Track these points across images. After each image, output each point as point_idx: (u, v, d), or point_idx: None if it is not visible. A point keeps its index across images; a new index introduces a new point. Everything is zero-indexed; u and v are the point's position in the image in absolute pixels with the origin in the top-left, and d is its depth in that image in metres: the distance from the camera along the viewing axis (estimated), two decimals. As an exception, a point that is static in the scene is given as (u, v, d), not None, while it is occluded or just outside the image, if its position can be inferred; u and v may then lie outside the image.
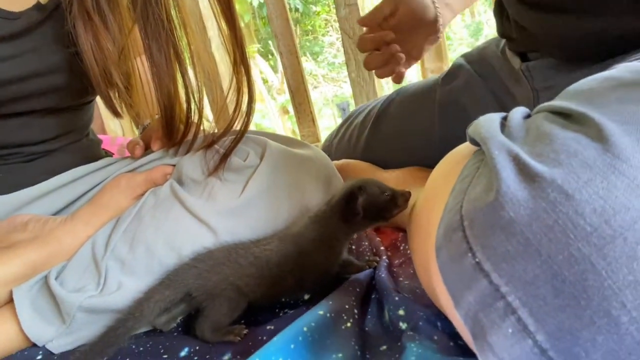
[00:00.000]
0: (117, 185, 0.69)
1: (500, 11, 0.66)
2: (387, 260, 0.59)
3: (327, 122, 5.15)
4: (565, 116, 0.30)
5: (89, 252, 0.62)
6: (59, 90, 0.70)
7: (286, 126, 5.68)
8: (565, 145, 0.26)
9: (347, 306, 0.48)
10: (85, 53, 0.64)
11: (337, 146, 0.91)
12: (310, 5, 6.60)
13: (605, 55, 0.49)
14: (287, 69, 1.39)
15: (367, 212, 0.56)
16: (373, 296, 0.53)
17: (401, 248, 0.66)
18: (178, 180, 0.68)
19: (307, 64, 6.31)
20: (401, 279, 0.57)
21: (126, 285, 0.59)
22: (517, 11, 0.58)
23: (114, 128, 1.52)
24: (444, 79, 0.76)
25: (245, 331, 0.53)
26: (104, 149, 0.93)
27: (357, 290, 0.52)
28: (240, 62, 0.68)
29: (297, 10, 6.53)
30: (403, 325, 0.44)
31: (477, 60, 0.74)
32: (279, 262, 0.55)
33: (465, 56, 0.78)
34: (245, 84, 0.68)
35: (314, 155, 0.73)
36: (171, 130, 0.70)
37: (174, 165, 0.71)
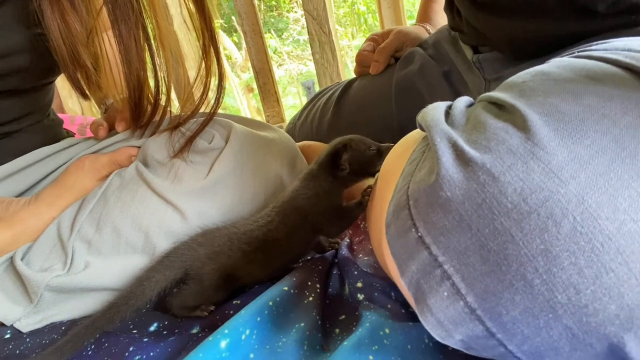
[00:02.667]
0: (81, 166, 0.70)
1: (450, 7, 0.70)
2: (348, 240, 0.63)
3: (293, 101, 5.13)
4: (499, 106, 0.33)
5: (55, 233, 0.63)
6: (22, 72, 0.69)
7: (251, 104, 5.62)
8: (495, 133, 0.30)
9: (309, 282, 0.51)
10: (52, 34, 0.63)
11: (300, 128, 0.93)
12: (278, -20, 6.47)
13: (545, 52, 0.54)
14: (251, 49, 1.40)
15: (353, 167, 0.58)
16: (335, 272, 0.57)
17: (361, 226, 0.69)
18: (143, 162, 0.69)
19: (271, 40, 6.24)
20: (361, 255, 0.61)
21: (93, 265, 0.61)
22: (467, 10, 0.62)
23: (72, 107, 1.49)
24: (400, 64, 0.79)
25: (212, 307, 0.55)
26: (65, 129, 0.92)
27: (320, 267, 0.55)
28: (209, 45, 0.68)
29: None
30: (360, 296, 0.48)
31: (431, 45, 0.78)
32: (288, 234, 0.57)
33: (419, 45, 0.81)
34: (215, 66, 0.69)
35: (278, 137, 0.75)
36: (139, 112, 0.71)
37: (139, 147, 0.72)
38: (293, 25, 6.38)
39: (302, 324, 0.44)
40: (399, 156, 0.42)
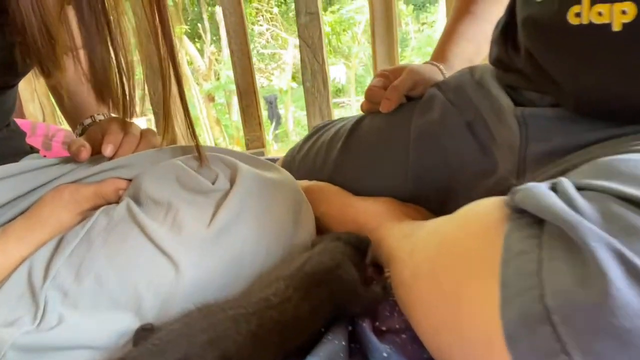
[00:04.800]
0: (59, 197, 0.61)
1: (504, 37, 0.64)
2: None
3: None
4: (636, 205, 0.29)
5: (24, 277, 0.54)
6: None
7: (211, 114, 5.49)
8: None
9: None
10: (24, 8, 0.55)
11: (301, 163, 0.87)
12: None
13: (628, 118, 0.48)
14: (237, 68, 1.32)
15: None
16: (352, 346, 0.51)
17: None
18: (134, 199, 0.60)
19: (237, 52, 6.15)
20: (377, 323, 0.55)
21: (67, 320, 0.52)
22: (538, 49, 0.55)
23: (33, 111, 1.35)
24: (420, 109, 0.75)
25: None
26: (28, 144, 0.82)
27: (343, 343, 0.49)
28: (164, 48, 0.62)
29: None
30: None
31: (452, 89, 0.74)
32: (311, 313, 0.50)
33: (438, 85, 0.77)
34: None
35: (284, 179, 0.68)
36: (103, 96, 0.66)
37: (129, 180, 0.64)
38: (258, 37, 6.33)
39: None
40: (477, 236, 0.37)
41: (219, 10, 6.09)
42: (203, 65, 6.03)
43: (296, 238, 0.64)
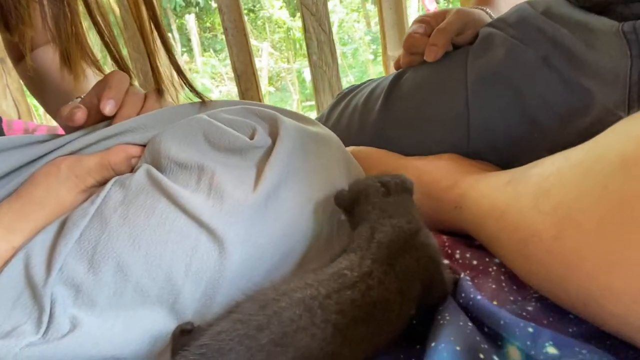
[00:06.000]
0: (56, 172, 0.47)
1: None
2: (468, 278, 0.44)
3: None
4: None
5: (20, 273, 0.40)
6: None
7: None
8: None
9: (481, 355, 0.32)
10: None
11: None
12: (211, 1, 6.34)
13: None
14: (233, 48, 1.19)
15: None
16: (470, 325, 0.38)
17: (456, 256, 0.51)
18: (155, 166, 0.47)
19: (211, 59, 5.99)
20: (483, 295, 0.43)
21: (83, 324, 0.38)
22: None
23: (6, 109, 1.19)
24: (475, 51, 0.63)
25: None
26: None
27: (460, 323, 0.36)
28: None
29: (197, 5, 6.24)
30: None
31: (513, 24, 0.62)
32: (402, 291, 0.37)
33: (493, 24, 0.66)
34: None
35: (331, 135, 0.56)
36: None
37: (142, 146, 0.50)
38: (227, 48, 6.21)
39: None
40: None
41: (189, 18, 5.96)
42: (176, 76, 5.87)
43: None
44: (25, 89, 1.18)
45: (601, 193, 0.35)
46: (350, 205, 0.44)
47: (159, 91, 0.57)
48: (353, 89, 0.78)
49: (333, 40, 1.09)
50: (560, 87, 0.56)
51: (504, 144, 0.60)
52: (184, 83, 0.55)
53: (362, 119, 0.70)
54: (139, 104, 0.54)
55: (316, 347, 0.34)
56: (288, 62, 6.31)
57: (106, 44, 0.56)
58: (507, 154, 0.60)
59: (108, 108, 0.51)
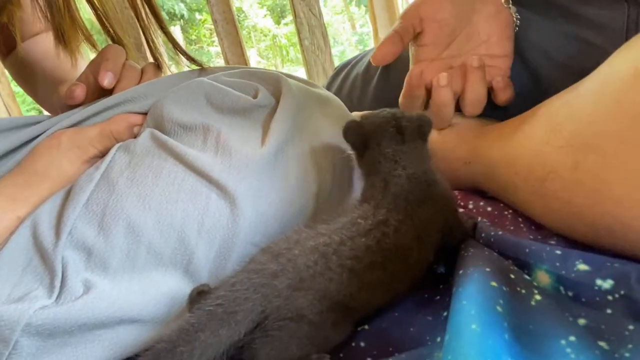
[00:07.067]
0: (57, 144, 0.46)
1: None
2: (485, 220, 0.43)
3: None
4: None
5: (28, 239, 0.39)
6: None
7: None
8: None
9: (512, 275, 0.31)
10: None
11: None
12: (195, 13, 6.35)
13: None
14: (223, 40, 1.19)
15: None
16: (496, 253, 0.37)
17: (470, 207, 0.50)
18: (158, 130, 0.46)
19: (199, 70, 5.99)
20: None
21: (97, 286, 0.37)
22: None
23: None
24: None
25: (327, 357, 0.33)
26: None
27: (486, 253, 0.35)
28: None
29: (182, 17, 6.25)
30: (606, 284, 0.29)
31: None
32: (419, 237, 0.37)
33: None
34: None
35: (333, 96, 0.55)
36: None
37: (143, 114, 0.49)
38: (215, 59, 6.22)
39: (572, 338, 0.24)
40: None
41: (174, 30, 5.96)
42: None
43: None
44: (16, 95, 1.16)
45: (616, 110, 0.34)
46: (361, 145, 0.43)
47: (157, 65, 0.56)
48: (350, 61, 0.78)
49: (324, 24, 1.09)
50: (561, 39, 0.55)
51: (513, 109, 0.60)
52: (180, 53, 0.54)
53: (362, 86, 0.70)
54: (136, 76, 0.54)
55: (334, 289, 0.33)
56: (276, 68, 6.33)
57: (99, 18, 0.55)
58: (512, 112, 0.60)
59: (107, 80, 0.50)
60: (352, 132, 0.44)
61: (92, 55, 0.56)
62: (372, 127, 0.42)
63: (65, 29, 0.54)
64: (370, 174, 0.43)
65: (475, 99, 0.52)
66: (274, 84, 0.50)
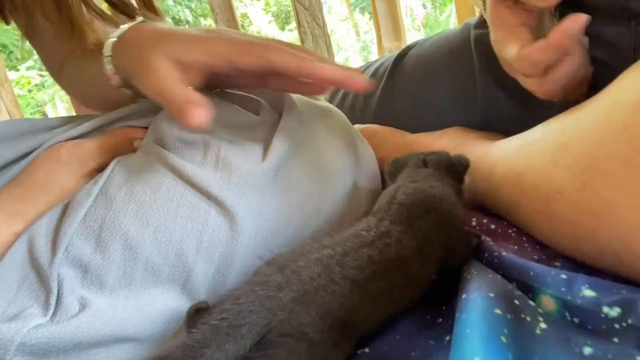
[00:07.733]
0: (56, 157, 0.46)
1: None
2: (489, 239, 0.43)
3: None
4: None
5: (24, 256, 0.39)
6: None
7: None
8: None
9: (516, 301, 0.30)
10: None
11: (339, 111, 0.74)
12: (200, 18, 6.39)
13: None
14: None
15: None
16: (499, 276, 0.37)
17: (473, 224, 0.50)
18: (159, 145, 0.46)
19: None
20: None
21: (93, 304, 0.37)
22: None
23: (1, 122, 1.17)
24: (479, 26, 0.62)
25: None
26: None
27: (490, 277, 0.35)
28: None
29: (187, 22, 6.28)
30: (613, 312, 0.28)
31: None
32: (421, 249, 0.37)
33: None
34: None
35: (333, 107, 0.55)
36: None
37: (144, 128, 0.49)
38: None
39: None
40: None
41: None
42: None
43: (359, 176, 0.50)
44: (19, 97, 1.16)
45: (623, 134, 0.34)
46: (394, 175, 0.46)
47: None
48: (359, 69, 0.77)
49: (328, 33, 1.08)
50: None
51: (513, 119, 0.59)
52: None
53: (365, 97, 0.69)
54: None
55: (336, 303, 0.33)
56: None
57: None
58: (513, 123, 0.59)
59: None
60: (390, 164, 0.47)
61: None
62: (406, 158, 0.46)
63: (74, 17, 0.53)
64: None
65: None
66: (276, 97, 0.49)
